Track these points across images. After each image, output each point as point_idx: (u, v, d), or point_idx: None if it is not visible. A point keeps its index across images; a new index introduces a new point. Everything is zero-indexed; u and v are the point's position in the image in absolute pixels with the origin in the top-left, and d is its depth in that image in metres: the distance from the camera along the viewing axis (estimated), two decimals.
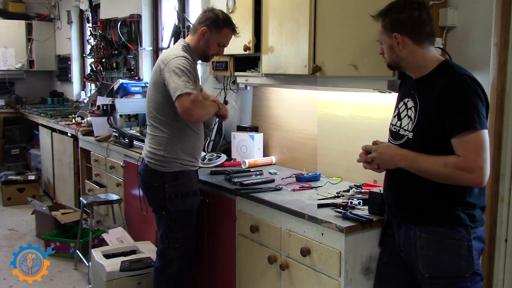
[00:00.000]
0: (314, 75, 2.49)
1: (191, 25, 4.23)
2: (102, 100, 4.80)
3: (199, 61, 2.83)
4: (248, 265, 2.62)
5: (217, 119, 3.57)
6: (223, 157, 3.27)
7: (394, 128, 1.94)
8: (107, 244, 3.68)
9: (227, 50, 2.88)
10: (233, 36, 2.73)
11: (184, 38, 4.22)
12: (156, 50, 5.39)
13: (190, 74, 2.49)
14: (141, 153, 2.80)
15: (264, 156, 3.37)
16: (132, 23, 5.38)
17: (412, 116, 1.85)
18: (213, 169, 3.08)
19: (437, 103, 1.74)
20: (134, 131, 4.15)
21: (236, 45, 2.95)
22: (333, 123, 2.87)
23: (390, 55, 1.88)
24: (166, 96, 2.53)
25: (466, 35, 2.18)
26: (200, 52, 2.69)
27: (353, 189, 2.54)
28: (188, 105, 2.41)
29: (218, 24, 2.63)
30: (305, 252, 2.18)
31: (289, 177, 2.89)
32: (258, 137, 3.36)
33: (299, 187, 2.66)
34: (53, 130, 5.83)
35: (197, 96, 2.47)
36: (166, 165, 2.62)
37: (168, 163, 2.62)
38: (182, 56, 2.54)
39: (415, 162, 1.79)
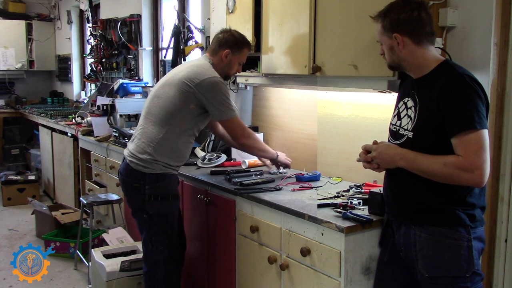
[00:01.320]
0: (314, 75, 2.49)
1: (191, 25, 4.28)
2: (102, 100, 4.80)
3: None
4: (248, 265, 2.62)
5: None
6: (223, 157, 3.27)
7: (394, 128, 1.94)
8: (107, 244, 3.68)
9: None
10: None
11: (184, 39, 4.27)
12: (156, 50, 5.40)
13: (229, 96, 2.68)
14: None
15: None
16: (132, 23, 5.39)
17: (412, 116, 1.85)
18: (213, 169, 3.08)
19: (437, 103, 1.74)
20: (134, 131, 4.14)
21: None
22: (333, 123, 2.87)
23: (390, 55, 1.88)
24: (187, 104, 2.61)
25: (466, 35, 2.18)
26: (221, 72, 2.73)
27: (353, 189, 2.54)
28: (241, 129, 2.70)
29: (239, 45, 2.72)
30: (305, 252, 2.18)
31: (289, 177, 2.89)
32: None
33: (299, 187, 2.66)
34: (53, 130, 5.83)
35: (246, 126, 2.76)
36: (148, 166, 2.63)
37: (150, 164, 2.62)
38: (220, 79, 2.66)
39: (415, 161, 1.79)
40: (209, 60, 2.74)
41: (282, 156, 2.94)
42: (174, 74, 2.71)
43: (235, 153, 3.40)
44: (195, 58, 3.12)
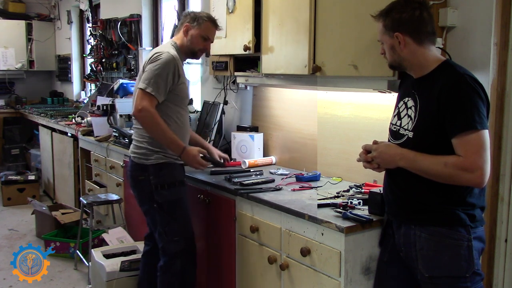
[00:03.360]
0: (314, 75, 2.49)
1: None
2: (102, 100, 4.80)
3: (197, 61, 2.85)
4: (248, 265, 2.62)
5: (218, 118, 3.56)
6: None
7: (394, 128, 1.94)
8: (107, 244, 3.68)
9: (227, 50, 2.88)
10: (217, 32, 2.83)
11: None
12: None
13: (169, 76, 2.58)
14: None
15: (264, 156, 3.37)
16: (132, 23, 5.38)
17: (412, 116, 1.85)
18: (213, 169, 3.08)
19: (437, 103, 1.74)
20: None
21: (236, 45, 2.95)
22: (333, 123, 2.87)
23: (391, 55, 1.88)
24: None
25: (466, 35, 2.18)
26: (186, 50, 2.77)
27: (353, 189, 2.54)
28: (146, 106, 2.53)
29: (198, 19, 2.73)
30: (305, 252, 2.18)
31: (289, 177, 2.89)
32: (258, 137, 3.36)
33: (299, 187, 2.66)
34: (53, 130, 5.83)
35: (154, 105, 2.57)
36: (150, 158, 2.67)
37: (151, 155, 2.66)
38: (169, 53, 2.61)
39: (415, 161, 1.79)
40: (172, 41, 2.78)
41: (192, 155, 2.69)
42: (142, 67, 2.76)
43: (235, 153, 3.40)
44: None
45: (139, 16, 5.33)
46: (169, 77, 2.59)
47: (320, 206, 2.27)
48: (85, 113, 5.34)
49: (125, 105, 4.47)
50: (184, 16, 2.80)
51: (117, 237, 3.75)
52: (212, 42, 2.84)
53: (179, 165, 2.77)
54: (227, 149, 3.54)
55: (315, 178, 2.82)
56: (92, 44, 6.22)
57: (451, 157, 1.71)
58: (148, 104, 2.55)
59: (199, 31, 2.73)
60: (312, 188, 2.65)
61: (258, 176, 2.91)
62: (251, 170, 3.01)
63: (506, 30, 2.06)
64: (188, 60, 3.12)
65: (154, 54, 2.63)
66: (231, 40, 2.94)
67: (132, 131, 4.10)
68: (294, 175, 2.89)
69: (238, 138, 3.39)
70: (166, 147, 2.67)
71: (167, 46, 2.73)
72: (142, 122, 2.61)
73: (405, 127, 1.88)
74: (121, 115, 4.44)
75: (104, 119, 4.57)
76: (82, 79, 7.51)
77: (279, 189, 2.62)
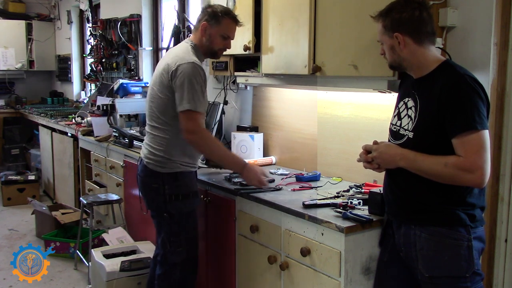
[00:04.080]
0: (314, 75, 2.50)
1: (191, 25, 4.27)
2: (102, 100, 4.80)
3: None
4: (248, 265, 2.62)
5: (218, 118, 3.55)
6: None
7: (394, 128, 1.94)
8: (107, 244, 3.68)
9: (227, 50, 2.88)
10: (237, 28, 2.67)
11: (184, 38, 4.26)
12: (156, 50, 5.40)
13: (202, 87, 2.47)
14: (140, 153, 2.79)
15: (264, 156, 3.37)
16: (132, 23, 5.39)
17: (412, 116, 1.85)
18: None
19: (438, 103, 1.74)
20: (134, 131, 4.15)
21: (236, 45, 2.95)
22: (333, 123, 2.87)
23: (391, 55, 1.88)
24: (172, 99, 2.50)
25: (466, 35, 2.18)
26: (205, 50, 2.63)
27: (353, 189, 2.54)
28: (194, 126, 2.42)
29: (217, 16, 2.57)
30: (305, 252, 2.18)
31: (289, 177, 2.89)
32: (258, 137, 3.36)
33: (299, 187, 2.66)
34: (53, 130, 5.83)
35: (203, 122, 2.47)
36: (165, 166, 2.57)
37: (167, 163, 2.57)
38: (195, 63, 2.47)
39: (415, 161, 1.79)
40: (190, 42, 2.62)
41: (254, 172, 2.54)
42: (157, 69, 2.64)
43: (235, 153, 3.40)
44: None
45: (139, 16, 5.33)
46: (202, 87, 2.47)
47: (320, 206, 2.27)
48: (85, 113, 5.35)
49: (125, 105, 4.48)
50: (202, 12, 2.61)
51: (117, 237, 3.75)
52: (233, 39, 2.65)
53: (194, 174, 2.70)
54: None
55: (315, 178, 2.82)
56: (92, 44, 6.22)
57: (451, 157, 1.71)
58: (197, 123, 2.44)
59: (218, 30, 2.56)
60: (312, 188, 2.65)
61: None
62: None
63: (506, 30, 2.06)
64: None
65: (176, 67, 2.45)
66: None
67: (132, 131, 4.14)
68: (294, 175, 2.88)
69: (238, 138, 3.39)
70: (225, 166, 2.59)
71: (187, 50, 2.56)
72: (197, 145, 2.49)
73: (405, 127, 1.88)
74: (121, 115, 4.45)
75: (104, 119, 4.57)
76: (82, 79, 7.51)
77: (279, 189, 2.62)
